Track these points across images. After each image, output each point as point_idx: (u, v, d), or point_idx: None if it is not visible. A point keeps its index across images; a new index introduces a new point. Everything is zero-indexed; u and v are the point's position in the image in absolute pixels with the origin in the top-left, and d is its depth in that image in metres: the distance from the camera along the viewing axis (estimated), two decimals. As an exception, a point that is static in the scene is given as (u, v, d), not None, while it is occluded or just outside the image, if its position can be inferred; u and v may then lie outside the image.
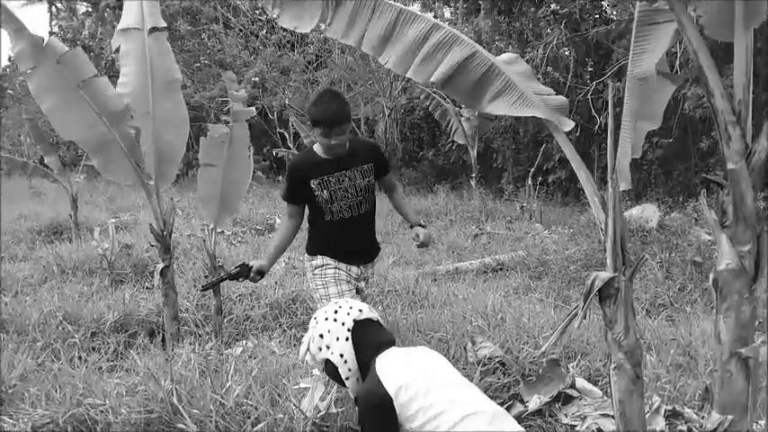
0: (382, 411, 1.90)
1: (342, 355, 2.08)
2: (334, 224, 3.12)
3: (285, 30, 15.26)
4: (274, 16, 2.43)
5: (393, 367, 1.99)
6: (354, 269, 3.18)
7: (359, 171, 3.10)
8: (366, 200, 3.15)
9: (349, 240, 3.14)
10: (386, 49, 2.28)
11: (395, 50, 2.27)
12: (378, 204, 3.32)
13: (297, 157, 3.51)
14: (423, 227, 3.28)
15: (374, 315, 2.21)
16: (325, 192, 3.05)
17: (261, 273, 3.17)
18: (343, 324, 2.11)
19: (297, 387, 2.91)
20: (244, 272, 3.13)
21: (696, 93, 9.35)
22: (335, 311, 2.15)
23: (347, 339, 2.09)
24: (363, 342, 2.10)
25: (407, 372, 1.96)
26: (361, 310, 2.16)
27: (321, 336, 2.12)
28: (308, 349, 2.17)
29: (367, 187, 3.13)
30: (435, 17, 18.01)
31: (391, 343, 2.16)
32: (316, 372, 2.71)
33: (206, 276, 4.50)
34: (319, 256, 3.17)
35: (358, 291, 3.23)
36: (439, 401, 1.85)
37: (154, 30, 3.81)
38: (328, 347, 2.10)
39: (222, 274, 3.26)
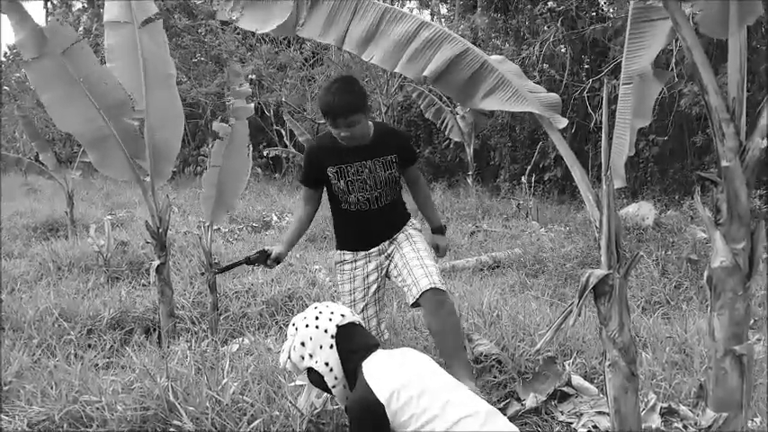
0: (375, 419, 1.85)
1: (327, 364, 2.02)
2: (350, 214, 2.99)
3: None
4: (233, 18, 2.30)
5: (382, 372, 1.94)
6: (374, 249, 3.04)
7: (380, 162, 2.89)
8: (386, 193, 2.96)
9: (365, 232, 3.02)
10: (370, 46, 2.22)
11: (380, 47, 2.20)
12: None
13: (316, 140, 3.27)
14: (443, 233, 3.18)
15: (357, 318, 2.15)
16: (341, 182, 2.88)
17: (278, 260, 3.07)
18: (326, 331, 2.04)
19: (293, 384, 2.91)
20: (262, 258, 3.06)
21: (692, 90, 9.36)
22: (316, 317, 2.07)
23: (331, 347, 2.02)
24: (348, 348, 2.03)
25: (398, 376, 1.91)
26: (343, 315, 2.09)
27: (303, 344, 2.05)
28: (288, 358, 2.10)
29: (388, 180, 2.93)
30: (432, 14, 18.01)
31: (376, 346, 2.10)
32: None
33: (202, 273, 4.50)
34: (338, 252, 3.09)
35: (388, 258, 3.04)
36: (432, 405, 1.81)
37: (148, 21, 3.74)
38: (311, 356, 2.03)
39: (240, 259, 3.18)
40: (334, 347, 2.03)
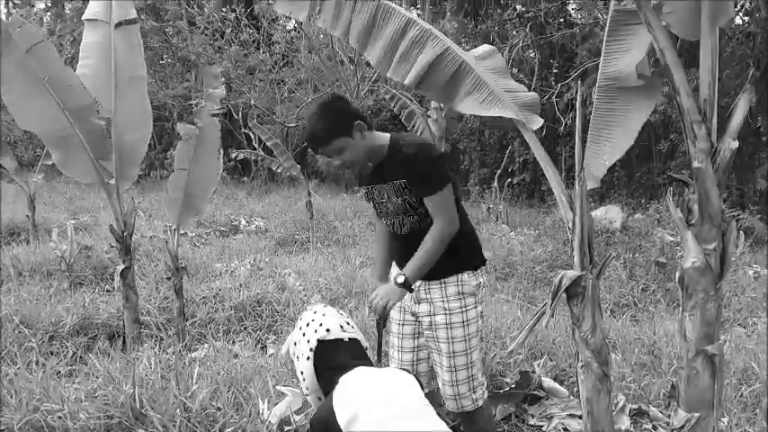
0: None
1: (302, 373, 1.98)
2: (389, 234, 2.71)
3: (251, 29, 15.14)
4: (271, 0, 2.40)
5: (349, 394, 1.83)
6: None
7: (392, 187, 2.51)
8: (407, 221, 2.55)
9: (397, 257, 2.68)
10: (368, 44, 2.26)
11: (376, 48, 2.24)
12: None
13: None
14: (399, 284, 2.43)
15: (347, 335, 2.02)
16: (371, 203, 2.68)
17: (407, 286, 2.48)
18: (308, 341, 1.98)
19: (279, 388, 2.87)
20: (384, 314, 2.49)
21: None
22: (308, 324, 2.01)
23: (308, 359, 1.97)
24: (324, 365, 1.96)
25: (365, 399, 1.79)
26: (328, 330, 1.99)
27: (295, 344, 2.02)
28: (288, 350, 2.10)
29: (404, 206, 2.51)
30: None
31: (358, 365, 1.96)
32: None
33: (168, 278, 4.42)
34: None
35: (415, 316, 2.62)
36: None
37: (125, 22, 3.70)
38: (298, 359, 2.00)
39: (379, 334, 2.52)
40: (311, 360, 1.98)
